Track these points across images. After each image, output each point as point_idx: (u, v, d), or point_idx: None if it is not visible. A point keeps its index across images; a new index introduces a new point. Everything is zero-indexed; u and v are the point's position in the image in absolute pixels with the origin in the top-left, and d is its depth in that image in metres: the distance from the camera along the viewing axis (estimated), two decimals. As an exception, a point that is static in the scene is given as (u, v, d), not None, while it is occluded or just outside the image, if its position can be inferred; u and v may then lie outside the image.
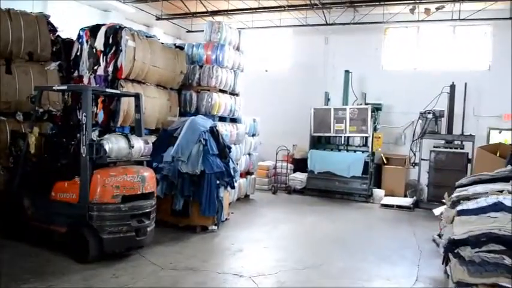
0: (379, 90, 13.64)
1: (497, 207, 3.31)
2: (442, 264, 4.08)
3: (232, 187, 8.35)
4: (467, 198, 4.47)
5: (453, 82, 11.96)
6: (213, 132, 8.03)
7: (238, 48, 10.45)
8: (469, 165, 11.53)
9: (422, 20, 12.67)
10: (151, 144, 6.71)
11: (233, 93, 10.37)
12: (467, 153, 11.57)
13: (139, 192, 6.05)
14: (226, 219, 8.54)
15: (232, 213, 9.28)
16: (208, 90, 9.44)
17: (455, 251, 3.26)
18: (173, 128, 8.07)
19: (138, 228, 5.99)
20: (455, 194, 4.60)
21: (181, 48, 9.62)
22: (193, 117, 8.17)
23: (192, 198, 7.63)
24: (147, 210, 6.15)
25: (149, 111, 8.43)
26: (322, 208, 11.04)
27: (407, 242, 8.11)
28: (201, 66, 9.64)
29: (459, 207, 3.54)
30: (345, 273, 6.14)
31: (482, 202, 3.41)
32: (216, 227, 7.97)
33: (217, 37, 9.75)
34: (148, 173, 6.30)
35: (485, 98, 12.69)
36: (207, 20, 11.49)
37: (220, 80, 9.53)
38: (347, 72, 13.42)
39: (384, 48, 14.18)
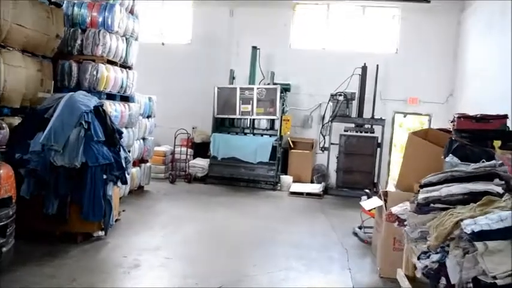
0: (287, 69, 12.72)
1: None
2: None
3: (124, 182, 6.71)
4: (439, 200, 3.52)
5: (365, 63, 11.45)
6: (99, 112, 6.30)
7: (132, 12, 8.64)
8: (378, 149, 11.22)
9: (332, -3, 11.93)
10: (7, 129, 4.87)
11: (125, 66, 8.57)
12: (377, 137, 11.21)
13: (-13, 199, 4.24)
14: (116, 220, 6.89)
15: (123, 211, 7.64)
16: (93, 61, 7.55)
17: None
18: (44, 107, 6.17)
19: (-13, 250, 4.20)
20: (422, 195, 3.63)
21: (57, 5, 7.53)
22: (71, 93, 6.32)
23: (70, 198, 5.89)
24: (1, 224, 4.35)
25: (12, 84, 6.40)
26: (228, 199, 9.84)
27: (329, 238, 7.26)
28: (84, 31, 7.68)
29: (475, 227, 2.48)
30: (271, 289, 5.00)
31: (508, 219, 2.39)
32: (103, 233, 6.32)
33: (105, -5, 7.87)
34: (2, 171, 4.47)
35: (392, 81, 12.43)
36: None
37: (108, 48, 7.69)
38: (254, 48, 12.24)
39: (293, 26, 13.23)
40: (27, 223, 5.54)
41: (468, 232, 2.53)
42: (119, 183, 6.56)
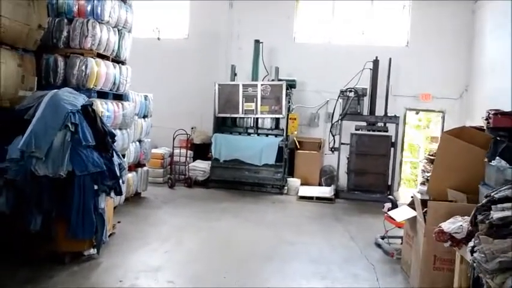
0: (291, 65, 11.94)
1: None
2: None
3: (119, 192, 5.87)
4: (524, 222, 2.74)
5: (376, 57, 10.66)
6: (88, 113, 5.47)
7: (124, 0, 7.78)
8: (392, 149, 10.44)
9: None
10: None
11: (117, 61, 7.73)
12: (391, 136, 10.43)
13: None
14: (110, 234, 6.07)
15: (118, 222, 6.82)
16: (82, 54, 6.70)
17: None
18: (23, 107, 5.34)
19: None
20: (498, 215, 2.86)
21: (39, -8, 6.69)
22: (55, 90, 5.49)
23: (56, 213, 5.06)
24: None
25: (-12, 82, 5.60)
26: (233, 206, 9.02)
27: (350, 251, 6.46)
28: (70, 21, 6.81)
29: None
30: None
31: None
32: (95, 251, 5.49)
33: (94, -20, 7.00)
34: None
35: (403, 76, 11.64)
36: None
37: (98, 40, 6.84)
38: (257, 42, 11.42)
39: (297, 18, 12.43)
40: (5, 242, 4.79)
41: None
42: (112, 194, 5.73)
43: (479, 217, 3.12)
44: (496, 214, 2.90)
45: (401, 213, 5.52)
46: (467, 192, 5.32)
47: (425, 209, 4.85)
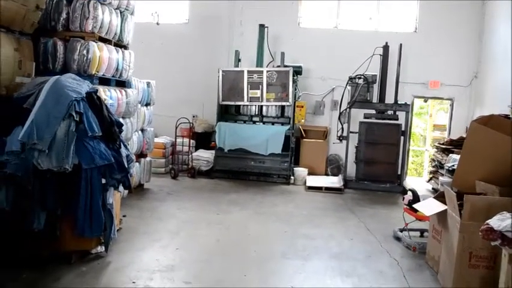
0: (296, 51, 11.50)
1: None
2: None
3: (128, 187, 5.47)
4: None
5: (386, 42, 10.27)
6: (93, 101, 5.05)
7: (125, -19, 7.31)
8: (401, 138, 10.11)
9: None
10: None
11: (120, 45, 7.28)
12: (401, 124, 10.09)
13: None
14: (117, 229, 5.69)
15: (124, 216, 6.46)
16: (83, 38, 6.25)
17: None
18: (23, 95, 4.91)
19: None
20: None
21: (36, -28, 6.20)
22: (57, 77, 5.05)
23: (60, 210, 4.68)
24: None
25: (-18, 68, 5.15)
26: (241, 197, 8.67)
27: (370, 244, 6.15)
28: (69, 1, 6.34)
29: None
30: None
31: None
32: (103, 249, 5.13)
33: (94, -42, 6.51)
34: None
35: (410, 63, 11.24)
36: None
37: (100, 22, 6.38)
38: (262, 27, 10.98)
39: (302, 2, 11.99)
40: (6, 242, 4.43)
41: None
42: (120, 188, 5.34)
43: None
44: None
45: (429, 207, 5.19)
46: (498, 184, 5.01)
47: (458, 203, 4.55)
